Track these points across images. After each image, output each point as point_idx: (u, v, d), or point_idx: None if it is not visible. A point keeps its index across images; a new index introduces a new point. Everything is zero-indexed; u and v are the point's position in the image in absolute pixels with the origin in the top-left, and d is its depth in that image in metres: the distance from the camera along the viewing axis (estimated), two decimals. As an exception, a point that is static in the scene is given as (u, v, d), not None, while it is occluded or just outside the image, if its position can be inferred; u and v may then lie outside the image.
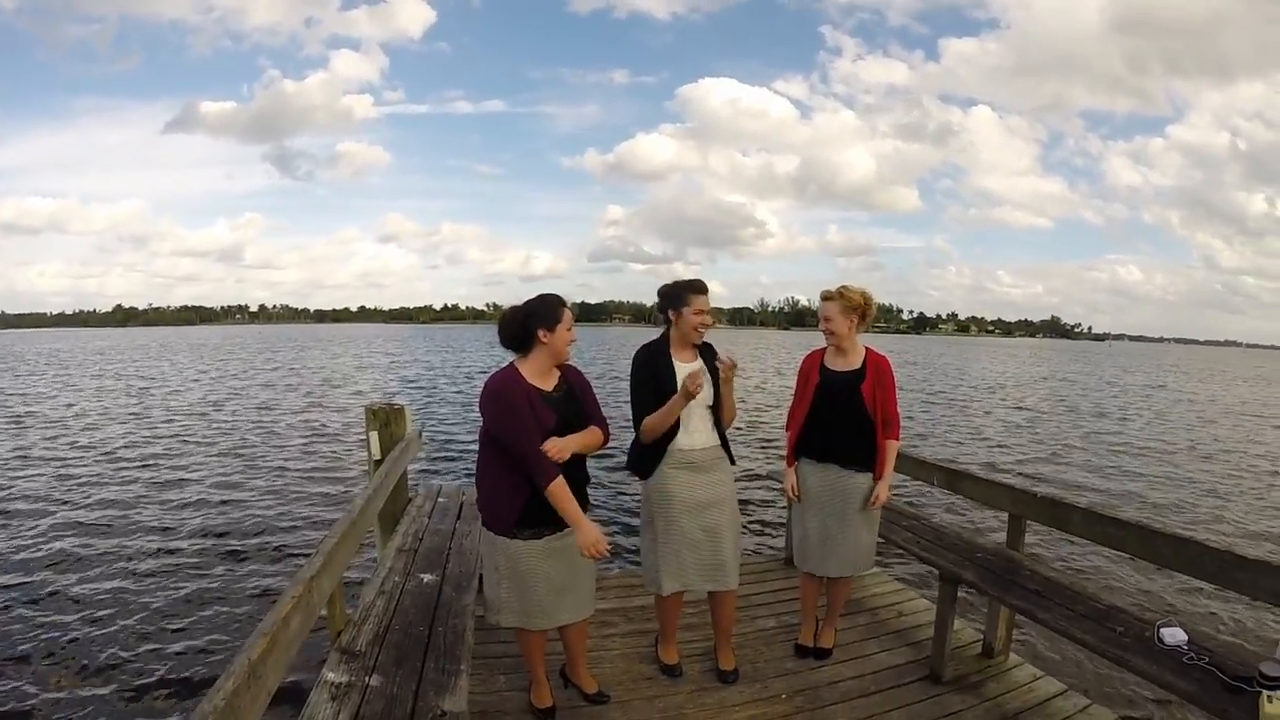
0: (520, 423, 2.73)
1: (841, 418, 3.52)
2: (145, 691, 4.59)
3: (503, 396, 2.77)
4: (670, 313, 3.38)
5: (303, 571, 2.45)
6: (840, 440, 3.55)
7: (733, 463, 3.52)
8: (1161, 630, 2.81)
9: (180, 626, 5.57)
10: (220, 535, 7.91)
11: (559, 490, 2.71)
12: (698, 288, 3.35)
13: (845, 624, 4.15)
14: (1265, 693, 2.29)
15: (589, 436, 2.95)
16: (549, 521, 2.84)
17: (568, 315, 2.88)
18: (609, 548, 2.77)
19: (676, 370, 3.33)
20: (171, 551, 7.31)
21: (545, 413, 2.79)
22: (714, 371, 3.39)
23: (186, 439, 13.94)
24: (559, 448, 2.77)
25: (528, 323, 2.85)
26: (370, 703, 2.42)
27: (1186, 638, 2.76)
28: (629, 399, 3.40)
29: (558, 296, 2.90)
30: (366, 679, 2.57)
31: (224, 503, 9.23)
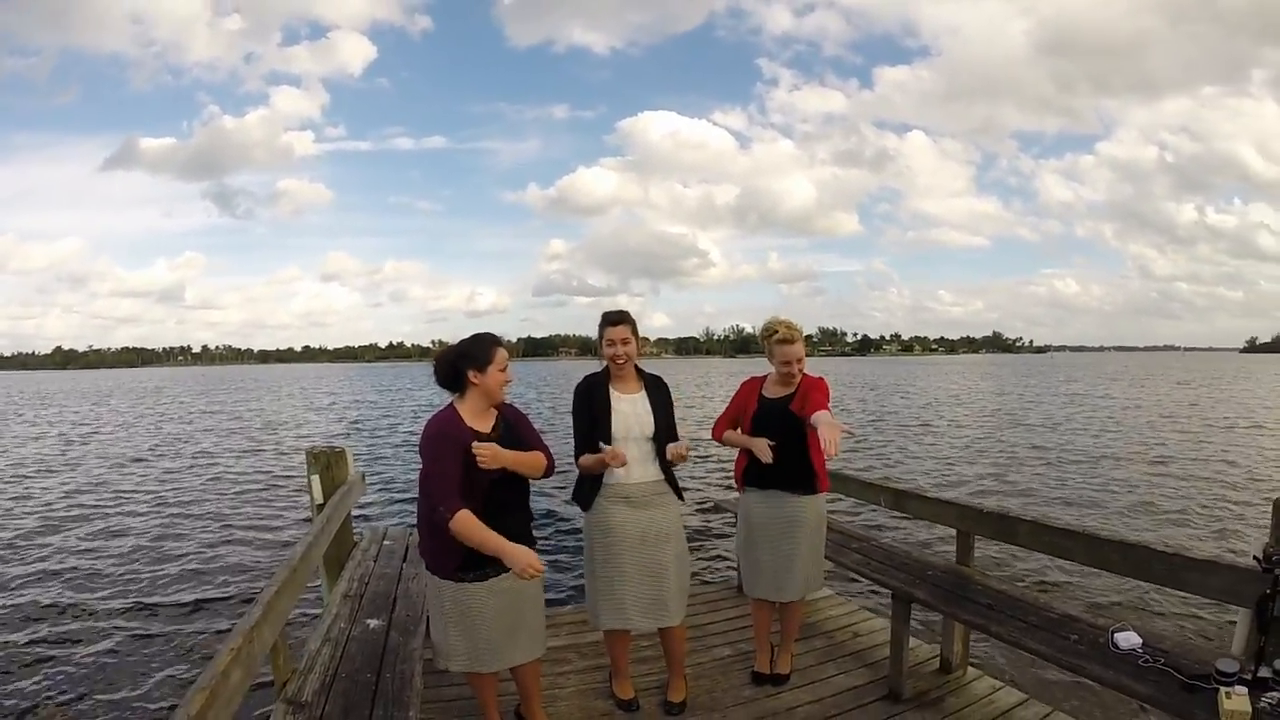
0: (441, 466, 2.68)
1: (781, 443, 3.50)
2: None
3: (435, 439, 2.72)
4: (599, 346, 3.39)
5: (241, 623, 2.36)
6: (782, 466, 3.52)
7: (680, 498, 3.46)
8: (1115, 635, 2.84)
9: (114, 683, 5.32)
10: (157, 586, 7.60)
11: (465, 521, 2.62)
12: (609, 319, 3.35)
13: (801, 648, 4.14)
14: (1222, 689, 2.32)
15: (529, 456, 2.89)
16: (494, 562, 2.75)
17: (500, 355, 2.81)
18: (544, 566, 2.67)
19: (614, 401, 3.32)
20: (104, 604, 6.99)
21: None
22: (661, 405, 3.39)
23: (122, 488, 13.44)
24: (491, 454, 2.70)
25: (458, 364, 2.81)
26: (318, 756, 2.34)
27: (1140, 641, 2.79)
28: None
29: (491, 336, 2.86)
30: (314, 731, 2.49)
31: (161, 553, 8.88)
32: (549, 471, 2.99)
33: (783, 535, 3.61)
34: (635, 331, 3.36)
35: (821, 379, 3.60)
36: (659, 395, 3.42)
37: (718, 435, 3.77)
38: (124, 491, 13.19)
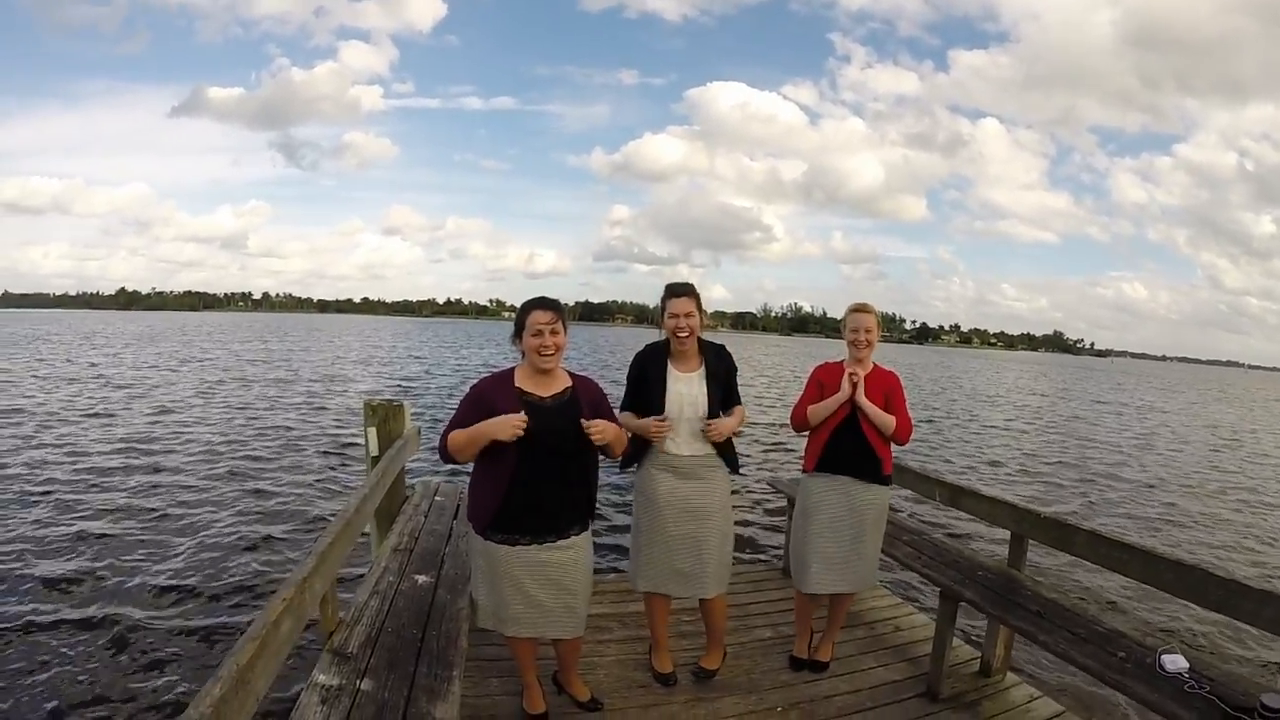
0: (461, 414, 2.74)
1: (854, 431, 3.49)
2: (132, 699, 4.42)
3: (470, 393, 2.78)
4: (661, 317, 3.36)
5: (295, 574, 2.41)
6: (857, 452, 3.50)
7: (734, 471, 3.44)
8: (1163, 657, 2.76)
9: (166, 630, 5.36)
10: (210, 531, 7.68)
11: (454, 437, 2.70)
12: (673, 290, 3.31)
13: (842, 637, 4.11)
14: None
15: (620, 433, 2.95)
16: (526, 530, 2.77)
17: (533, 318, 2.75)
18: (522, 423, 2.61)
19: (670, 380, 3.29)
20: (157, 550, 7.05)
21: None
22: (719, 380, 3.34)
23: (181, 430, 13.68)
24: (600, 430, 2.76)
25: (513, 331, 2.82)
26: (361, 707, 2.38)
27: (1188, 665, 2.71)
28: None
29: (532, 300, 2.82)
30: (358, 682, 2.53)
31: (215, 498, 9.00)
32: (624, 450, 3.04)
33: (847, 525, 3.56)
34: (700, 305, 3.30)
35: (894, 373, 3.58)
36: (720, 367, 3.37)
37: (800, 415, 3.62)
38: (183, 432, 13.50)
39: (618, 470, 3.46)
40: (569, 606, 2.94)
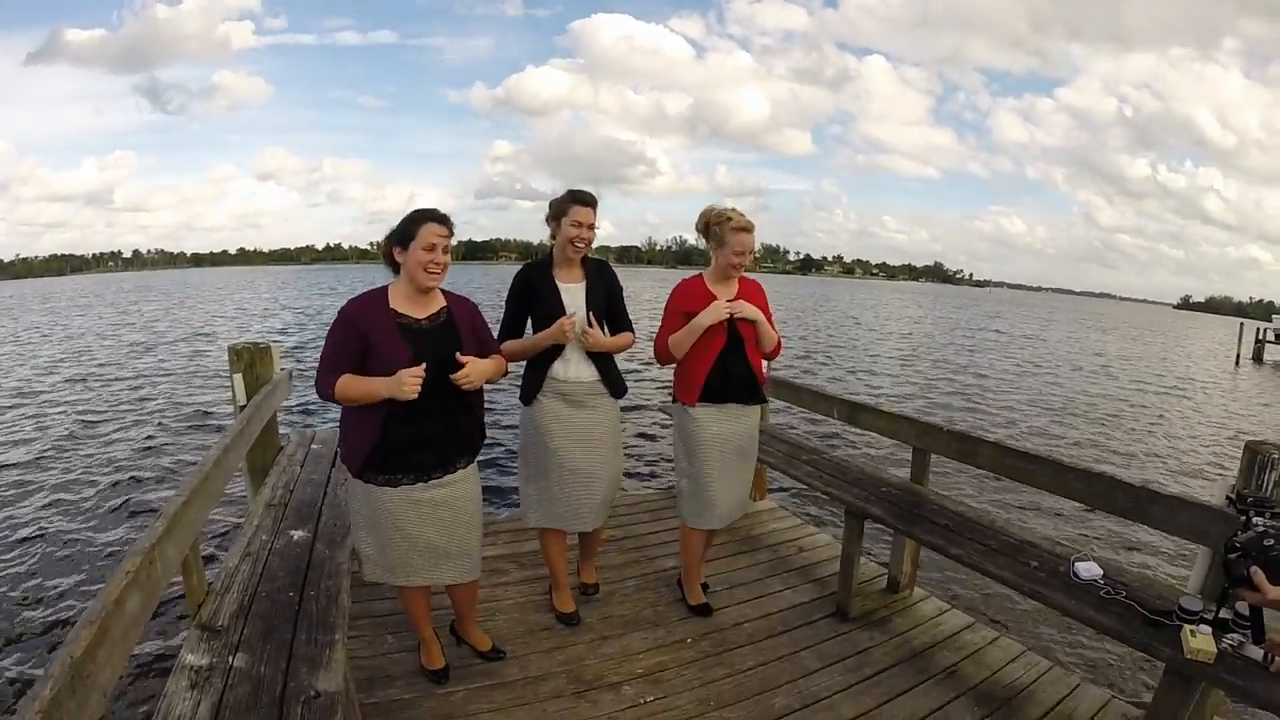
0: (335, 344, 2.44)
1: (734, 349, 3.31)
2: None
3: (339, 320, 2.46)
4: (552, 225, 3.15)
5: (140, 541, 2.08)
6: (744, 375, 3.36)
7: (618, 395, 3.32)
8: (1076, 564, 2.79)
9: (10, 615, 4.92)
10: (67, 498, 7.15)
11: (345, 383, 2.41)
12: (581, 198, 3.10)
13: (747, 562, 4.10)
14: (1187, 627, 2.28)
15: (494, 364, 2.66)
16: (406, 467, 2.54)
17: (427, 230, 2.46)
18: (419, 378, 2.38)
19: (561, 291, 3.14)
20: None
21: (398, 346, 2.44)
22: (601, 295, 3.20)
23: (36, 396, 12.81)
24: (469, 372, 2.50)
25: (388, 240, 2.53)
26: (235, 688, 2.11)
27: (1101, 572, 2.75)
28: None
29: (424, 211, 2.51)
30: (230, 659, 2.24)
31: (71, 463, 8.37)
32: (503, 372, 2.77)
33: (737, 452, 3.43)
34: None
35: (757, 281, 3.42)
36: (601, 283, 3.23)
37: (664, 348, 3.33)
38: (43, 400, 12.64)
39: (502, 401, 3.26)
40: (462, 548, 2.75)
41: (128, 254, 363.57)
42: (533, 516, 3.33)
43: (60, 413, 11.51)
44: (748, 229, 3.24)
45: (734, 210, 3.26)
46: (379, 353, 2.43)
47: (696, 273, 3.41)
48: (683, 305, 3.29)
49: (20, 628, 4.79)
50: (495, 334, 2.95)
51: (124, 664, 1.81)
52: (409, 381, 2.36)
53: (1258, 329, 33.17)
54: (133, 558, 1.97)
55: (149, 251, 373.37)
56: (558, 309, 3.09)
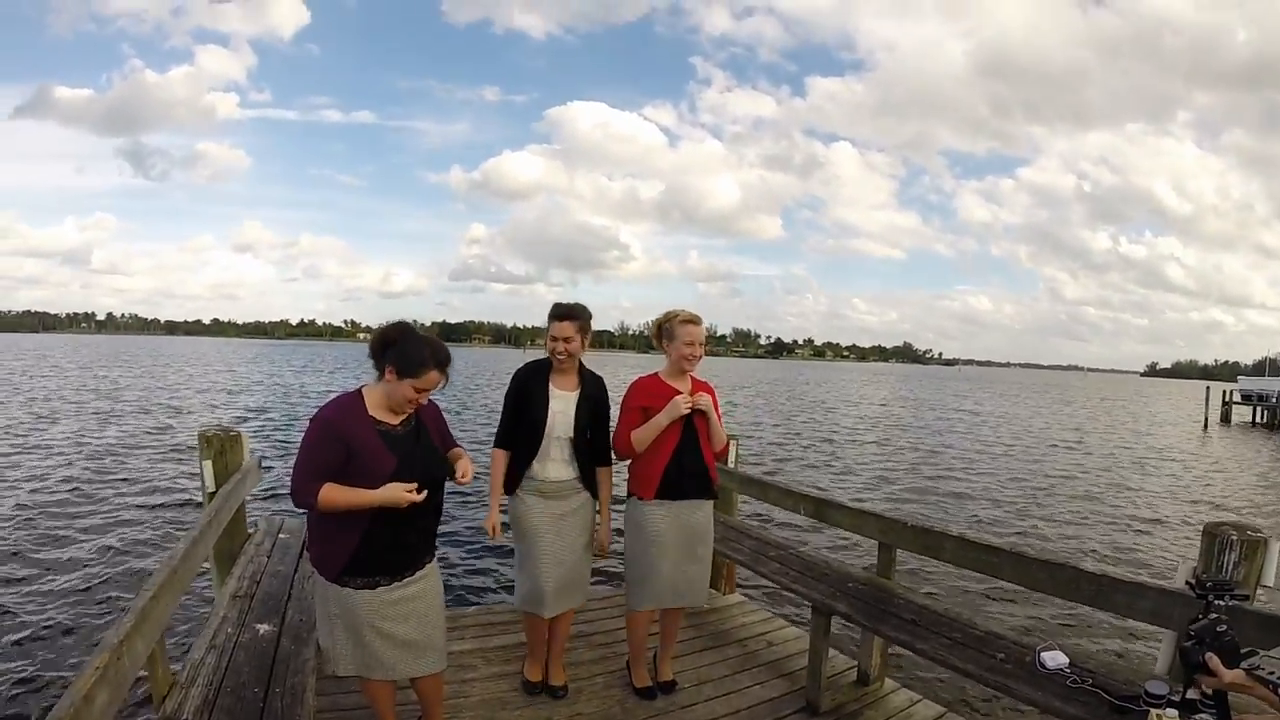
0: (315, 452, 2.48)
1: (697, 447, 3.46)
2: None
3: (319, 424, 2.52)
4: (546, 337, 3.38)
5: (109, 636, 2.10)
6: (698, 472, 3.48)
7: (595, 496, 3.50)
8: (1042, 654, 2.80)
9: None
10: (23, 588, 6.77)
11: (329, 494, 2.43)
12: (555, 313, 3.34)
13: (715, 657, 4.09)
14: (1153, 711, 2.30)
15: (466, 458, 2.84)
16: (384, 569, 2.59)
17: (428, 378, 2.56)
18: (415, 495, 2.48)
19: (551, 397, 3.32)
20: None
21: (382, 456, 2.52)
22: (590, 407, 3.39)
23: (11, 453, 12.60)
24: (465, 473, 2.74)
25: (385, 351, 2.58)
26: (195, 785, 2.12)
27: (1068, 660, 2.75)
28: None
29: (433, 353, 2.58)
30: (192, 755, 2.26)
31: (28, 549, 7.95)
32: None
33: (692, 542, 3.51)
34: (584, 330, 3.35)
35: (708, 383, 3.58)
36: (593, 395, 3.41)
37: (625, 443, 3.40)
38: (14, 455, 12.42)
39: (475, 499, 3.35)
40: (431, 640, 2.79)
41: (101, 316, 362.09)
42: (520, 599, 3.44)
43: (26, 480, 11.34)
44: (695, 321, 3.45)
45: (682, 310, 3.48)
46: (362, 461, 2.49)
47: (652, 372, 3.55)
48: (641, 401, 3.41)
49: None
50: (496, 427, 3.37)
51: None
52: (406, 497, 2.46)
53: (1224, 392, 33.98)
54: (101, 653, 2.00)
55: (123, 315, 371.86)
56: (543, 415, 3.28)
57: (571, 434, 3.34)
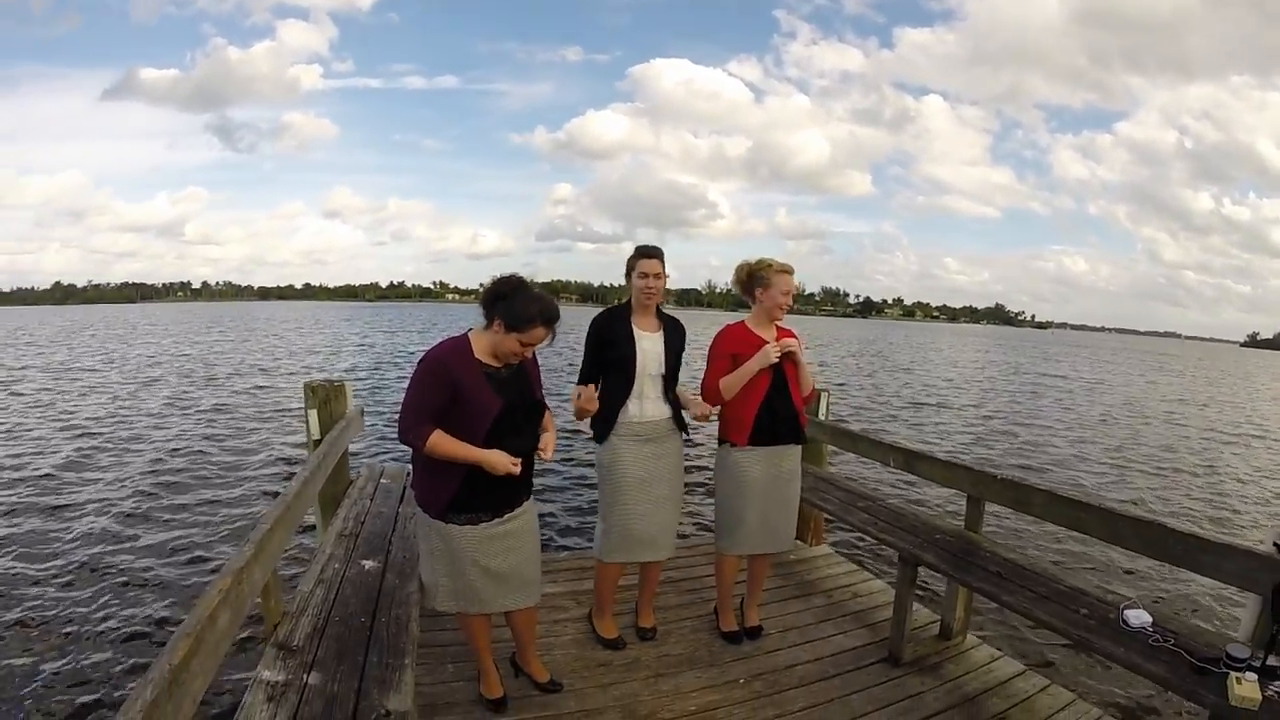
0: (422, 390, 2.58)
1: (788, 393, 3.51)
2: (64, 708, 4.17)
3: (427, 364, 2.61)
4: (628, 279, 3.40)
5: (231, 563, 2.25)
6: (790, 417, 3.53)
7: (685, 434, 3.54)
8: (1126, 612, 2.78)
9: (103, 630, 5.11)
10: (149, 522, 7.42)
11: (439, 441, 2.56)
12: (645, 251, 3.35)
13: (801, 606, 4.13)
14: (1233, 674, 2.27)
15: (554, 430, 2.93)
16: (485, 507, 2.71)
17: (534, 333, 2.63)
18: (514, 464, 2.62)
19: (637, 337, 3.34)
20: (88, 545, 6.73)
21: (488, 396, 2.62)
22: (675, 347, 3.43)
23: (121, 417, 13.32)
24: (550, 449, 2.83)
25: (496, 304, 2.64)
26: (309, 703, 2.25)
27: (1151, 619, 2.74)
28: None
29: (543, 311, 2.63)
30: (305, 677, 2.40)
31: (153, 489, 8.67)
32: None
33: (781, 487, 3.58)
34: (664, 270, 3.37)
35: (792, 330, 3.57)
36: (675, 337, 3.45)
37: (714, 391, 3.46)
38: (123, 422, 13.11)
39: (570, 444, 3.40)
40: (528, 575, 2.93)
41: (196, 285, 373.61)
42: (607, 554, 3.47)
43: (151, 438, 11.97)
44: (789, 271, 3.46)
45: (774, 259, 3.49)
46: (469, 399, 2.59)
47: (739, 320, 3.58)
48: (729, 348, 3.45)
49: (113, 634, 5.04)
50: (578, 375, 3.35)
51: (214, 674, 1.94)
52: (508, 466, 2.60)
53: None
54: (224, 577, 2.13)
55: (217, 283, 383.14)
56: (632, 352, 3.31)
57: (664, 371, 3.40)
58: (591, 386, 3.23)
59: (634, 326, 3.37)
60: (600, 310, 3.49)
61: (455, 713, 2.97)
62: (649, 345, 3.37)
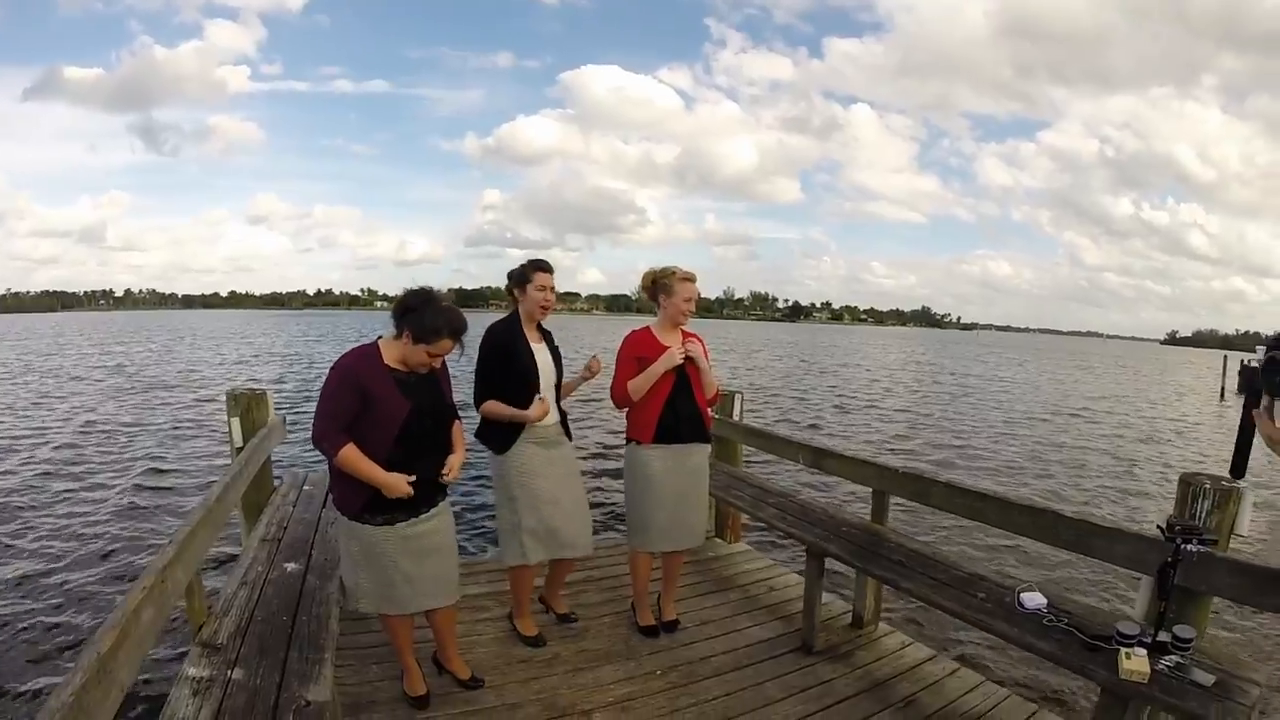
0: (335, 399, 2.66)
1: (682, 393, 3.66)
2: None
3: (338, 372, 2.68)
4: (516, 291, 3.50)
5: (155, 561, 2.33)
6: (693, 417, 3.70)
7: (570, 439, 3.69)
8: (1021, 595, 2.97)
9: (29, 627, 5.18)
10: (71, 530, 7.34)
11: (348, 456, 2.64)
12: (542, 266, 3.49)
13: (716, 600, 4.29)
14: (1123, 649, 2.44)
15: (462, 450, 3.01)
16: (401, 506, 2.78)
17: (442, 345, 2.73)
18: (408, 492, 2.71)
19: (534, 350, 3.47)
20: (14, 549, 6.73)
21: (397, 400, 2.70)
22: (555, 353, 3.58)
23: (35, 434, 12.90)
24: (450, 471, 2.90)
25: (405, 316, 2.72)
26: (233, 696, 2.33)
27: (1045, 601, 2.93)
28: None
29: (453, 325, 2.74)
30: (229, 672, 2.48)
31: (77, 497, 8.58)
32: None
33: (687, 485, 3.75)
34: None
35: (697, 334, 3.74)
36: (554, 346, 3.62)
37: (623, 393, 3.62)
38: (40, 434, 12.75)
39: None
40: (445, 573, 3.02)
41: (119, 293, 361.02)
42: (533, 553, 3.51)
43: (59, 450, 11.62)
44: (691, 279, 3.64)
45: (678, 267, 3.66)
46: (379, 404, 2.68)
47: (644, 325, 3.75)
48: (636, 352, 3.62)
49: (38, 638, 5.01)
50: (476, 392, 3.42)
51: (139, 666, 2.02)
52: (405, 489, 2.70)
53: (1241, 360, 33.66)
54: (148, 575, 2.22)
55: (140, 291, 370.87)
56: (533, 363, 3.43)
57: (555, 381, 3.56)
58: (544, 398, 3.40)
59: (527, 339, 3.49)
60: (494, 322, 3.53)
61: (380, 710, 3.04)
62: (542, 358, 3.49)
